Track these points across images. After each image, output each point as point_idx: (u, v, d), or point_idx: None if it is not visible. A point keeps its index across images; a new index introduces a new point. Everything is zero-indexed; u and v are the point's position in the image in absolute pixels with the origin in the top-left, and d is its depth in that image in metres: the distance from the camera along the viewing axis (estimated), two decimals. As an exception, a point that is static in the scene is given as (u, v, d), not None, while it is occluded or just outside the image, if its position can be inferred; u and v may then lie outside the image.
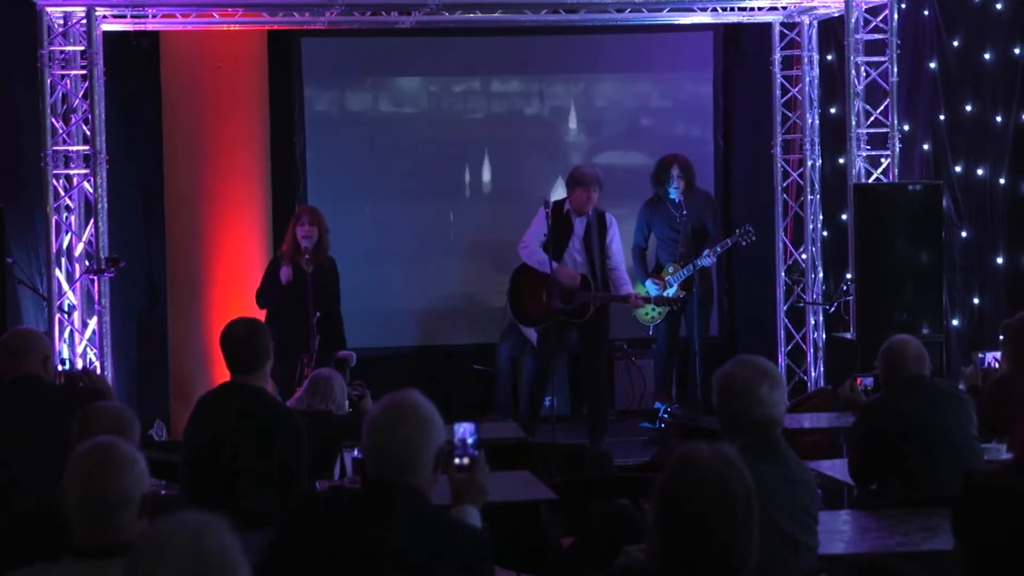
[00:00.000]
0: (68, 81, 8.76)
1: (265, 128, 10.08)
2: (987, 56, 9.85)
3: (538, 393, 9.04)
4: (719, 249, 9.31)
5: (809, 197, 9.77)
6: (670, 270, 9.23)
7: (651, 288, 9.21)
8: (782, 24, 9.79)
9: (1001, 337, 6.13)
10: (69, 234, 8.74)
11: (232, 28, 9.38)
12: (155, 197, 10.03)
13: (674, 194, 9.19)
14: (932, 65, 9.93)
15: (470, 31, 10.40)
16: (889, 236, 8.61)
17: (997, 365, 6.31)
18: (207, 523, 2.33)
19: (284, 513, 4.63)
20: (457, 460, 3.42)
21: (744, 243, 9.22)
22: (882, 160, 9.11)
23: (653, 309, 9.26)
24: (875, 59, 9.08)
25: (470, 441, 3.57)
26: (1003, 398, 5.51)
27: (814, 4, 9.38)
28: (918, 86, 9.94)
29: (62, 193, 8.68)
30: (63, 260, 8.70)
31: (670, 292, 9.16)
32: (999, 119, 9.79)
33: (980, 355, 6.81)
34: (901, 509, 4.81)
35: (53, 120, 8.63)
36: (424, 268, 10.76)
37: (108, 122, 8.76)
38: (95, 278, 8.56)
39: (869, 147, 9.14)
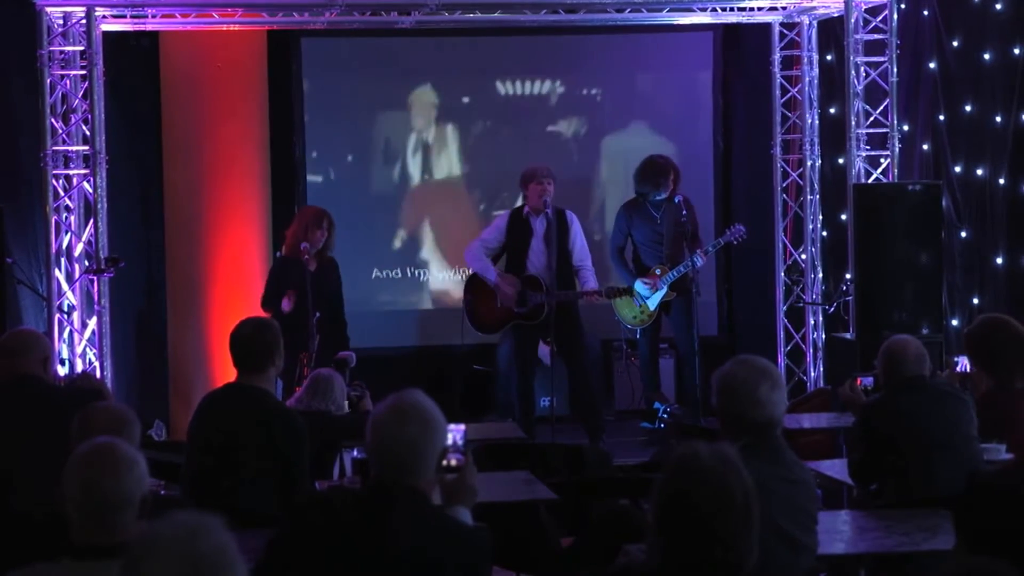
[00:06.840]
0: (68, 81, 8.76)
1: (264, 128, 10.08)
2: (987, 56, 9.84)
3: (527, 395, 9.00)
4: (711, 249, 9.32)
5: (809, 197, 9.77)
6: (657, 271, 9.17)
7: (641, 288, 9.16)
8: (782, 24, 9.79)
9: (968, 351, 5.68)
10: (69, 234, 8.74)
11: (232, 28, 9.38)
12: (154, 197, 10.03)
13: (663, 196, 9.14)
14: (932, 65, 9.92)
15: (470, 31, 10.40)
16: (889, 236, 8.60)
17: (969, 370, 5.98)
18: (202, 522, 2.33)
19: (285, 513, 4.63)
20: (445, 462, 3.42)
21: (735, 241, 9.21)
22: (882, 160, 9.11)
23: (641, 312, 9.23)
24: (875, 59, 9.07)
25: (459, 442, 3.56)
26: (991, 413, 5.29)
27: (814, 4, 9.37)
28: (918, 86, 9.94)
29: (62, 193, 8.67)
30: (63, 260, 8.70)
31: (660, 294, 9.14)
32: (999, 119, 9.78)
33: (955, 358, 6.70)
34: (901, 509, 4.81)
35: (53, 120, 8.62)
36: (424, 268, 10.76)
37: (108, 122, 8.76)
38: (95, 278, 8.55)
39: (869, 147, 9.14)
